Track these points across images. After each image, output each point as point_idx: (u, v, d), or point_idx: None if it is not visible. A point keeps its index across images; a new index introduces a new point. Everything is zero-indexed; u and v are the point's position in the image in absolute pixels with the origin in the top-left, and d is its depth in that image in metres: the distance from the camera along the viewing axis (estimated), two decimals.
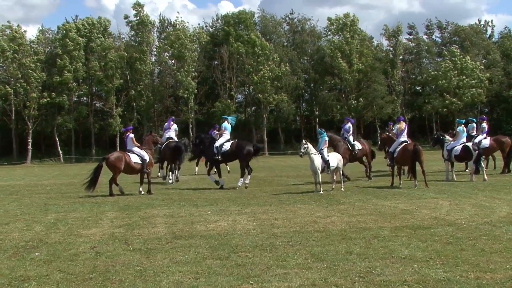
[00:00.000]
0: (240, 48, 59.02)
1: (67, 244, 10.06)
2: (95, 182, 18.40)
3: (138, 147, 19.25)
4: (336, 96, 63.87)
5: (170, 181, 22.89)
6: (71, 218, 13.31)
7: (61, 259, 8.89)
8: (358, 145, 22.31)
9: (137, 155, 18.96)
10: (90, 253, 9.31)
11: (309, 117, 69.57)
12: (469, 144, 20.74)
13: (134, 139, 19.36)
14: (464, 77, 59.47)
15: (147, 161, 19.10)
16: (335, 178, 18.71)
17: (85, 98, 63.90)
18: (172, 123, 25.30)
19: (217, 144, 20.65)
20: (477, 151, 20.28)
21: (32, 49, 58.29)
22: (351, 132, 22.51)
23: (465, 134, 21.31)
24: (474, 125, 24.28)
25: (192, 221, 12.30)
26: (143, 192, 18.79)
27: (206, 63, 62.29)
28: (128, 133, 19.52)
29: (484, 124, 23.75)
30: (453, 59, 60.42)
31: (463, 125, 21.59)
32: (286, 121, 65.58)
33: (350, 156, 21.83)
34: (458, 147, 20.68)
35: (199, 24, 65.80)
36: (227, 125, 21.48)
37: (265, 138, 59.69)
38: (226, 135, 21.12)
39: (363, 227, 10.94)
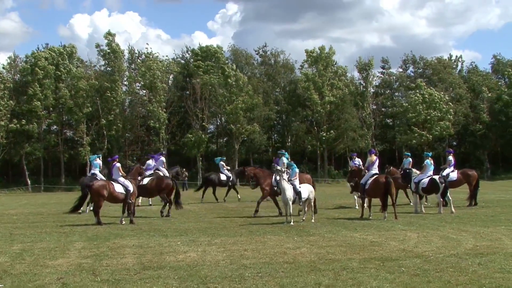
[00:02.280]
0: (213, 79, 59.32)
1: (33, 275, 9.88)
2: (78, 208, 19.37)
3: (124, 177, 19.20)
4: (308, 127, 64.39)
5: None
6: (37, 248, 13.08)
7: None
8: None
9: (121, 185, 18.94)
10: (57, 284, 9.16)
11: (280, 148, 69.82)
12: (436, 177, 21.06)
13: (121, 168, 19.39)
14: (432, 110, 60.76)
15: (131, 191, 19.08)
16: (306, 209, 18.81)
17: (55, 127, 63.15)
18: (161, 157, 27.68)
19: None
20: (443, 184, 20.60)
21: (0, 78, 57.61)
22: (155, 167, 23.93)
23: (432, 167, 21.59)
24: (410, 159, 24.32)
25: (161, 252, 12.20)
26: (124, 222, 18.63)
27: (178, 93, 62.39)
28: (115, 162, 19.56)
29: (451, 157, 24.12)
30: (421, 92, 61.74)
31: (430, 158, 21.91)
32: (257, 152, 65.78)
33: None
34: (425, 180, 20.97)
35: (167, 56, 65.86)
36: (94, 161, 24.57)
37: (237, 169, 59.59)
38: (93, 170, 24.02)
39: (332, 259, 10.99)
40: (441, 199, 20.56)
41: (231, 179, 30.79)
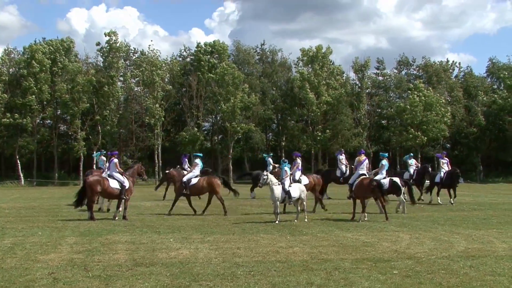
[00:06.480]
0: (213, 76, 59.26)
1: (24, 270, 9.85)
2: (82, 202, 18.86)
3: (121, 173, 19.18)
4: (303, 127, 64.37)
5: None
6: (29, 242, 13.03)
7: (17, 285, 8.70)
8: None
9: (117, 180, 18.95)
10: (48, 279, 9.13)
11: (275, 147, 69.89)
12: (397, 179, 20.94)
13: (118, 164, 19.38)
14: (429, 112, 60.77)
15: (127, 187, 19.08)
16: (298, 208, 18.79)
17: (49, 121, 62.86)
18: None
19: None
20: (404, 187, 20.73)
21: None
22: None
23: (387, 167, 21.15)
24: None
25: (153, 248, 12.18)
26: (117, 218, 18.63)
27: (174, 92, 62.15)
28: (113, 157, 19.59)
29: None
30: (419, 94, 61.71)
31: (386, 159, 21.06)
32: (252, 150, 65.81)
33: None
34: (386, 181, 20.42)
35: (164, 54, 65.86)
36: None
37: (231, 167, 59.62)
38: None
39: (325, 258, 11.01)
40: (404, 200, 20.71)
41: None
